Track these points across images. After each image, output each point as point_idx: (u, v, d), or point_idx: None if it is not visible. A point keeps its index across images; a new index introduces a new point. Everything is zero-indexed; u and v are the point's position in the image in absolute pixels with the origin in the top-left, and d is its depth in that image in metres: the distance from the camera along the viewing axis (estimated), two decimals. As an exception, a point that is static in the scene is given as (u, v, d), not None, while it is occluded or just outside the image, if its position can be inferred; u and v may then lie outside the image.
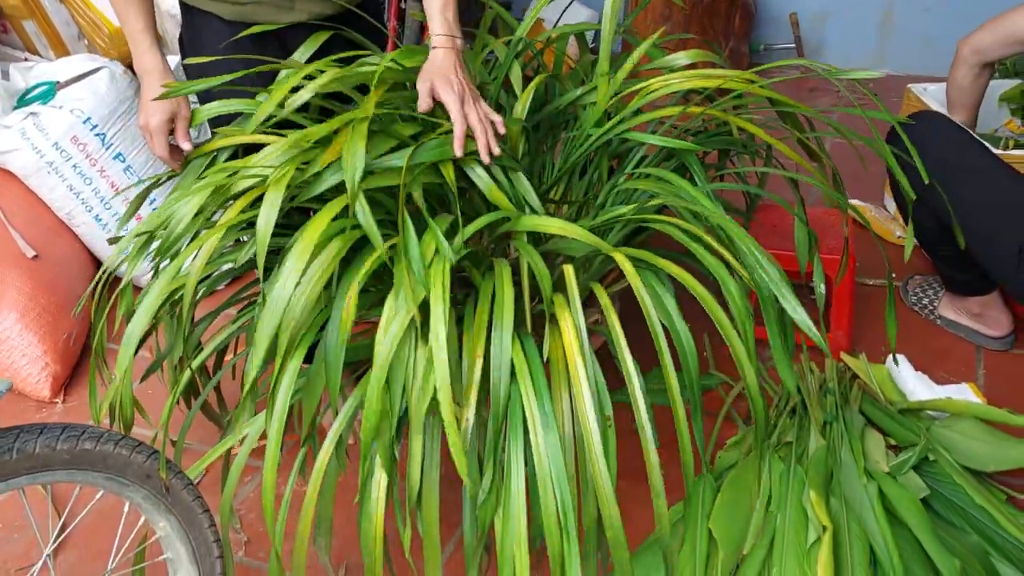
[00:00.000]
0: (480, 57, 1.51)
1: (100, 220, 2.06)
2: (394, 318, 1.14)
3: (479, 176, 1.21)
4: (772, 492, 1.47)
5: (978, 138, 1.75)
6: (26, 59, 2.48)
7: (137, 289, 2.18)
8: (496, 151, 1.25)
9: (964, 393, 1.72)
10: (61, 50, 2.57)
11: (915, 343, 1.92)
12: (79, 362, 2.00)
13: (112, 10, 2.50)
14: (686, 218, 1.27)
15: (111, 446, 1.05)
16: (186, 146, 1.42)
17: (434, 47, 1.31)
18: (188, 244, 1.38)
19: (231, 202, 1.23)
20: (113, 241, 1.45)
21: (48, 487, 1.05)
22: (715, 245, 1.15)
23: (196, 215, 1.23)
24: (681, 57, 1.39)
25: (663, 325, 1.18)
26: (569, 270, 1.20)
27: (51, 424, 1.01)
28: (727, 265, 1.22)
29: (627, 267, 1.14)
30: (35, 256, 1.94)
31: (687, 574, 1.39)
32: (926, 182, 1.46)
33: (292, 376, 1.15)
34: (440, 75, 1.26)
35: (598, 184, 1.53)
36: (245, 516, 1.65)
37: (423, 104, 1.28)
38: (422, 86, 1.29)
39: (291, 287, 1.08)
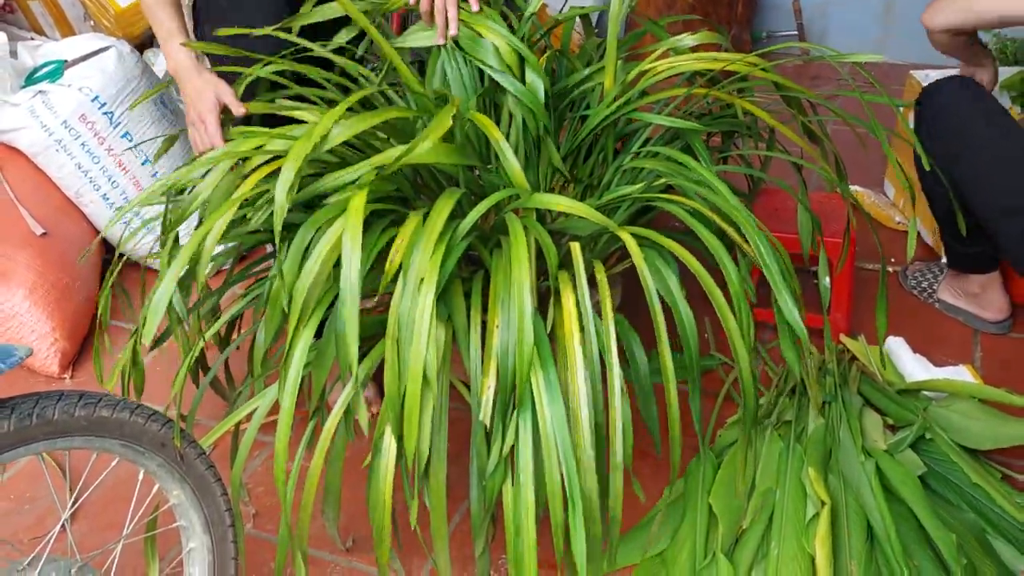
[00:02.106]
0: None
1: (107, 199, 2.08)
2: (403, 293, 1.16)
3: (506, 156, 1.23)
4: (771, 469, 1.50)
5: (997, 105, 1.74)
6: (32, 39, 2.49)
7: (136, 265, 2.20)
8: (454, 31, 1.42)
9: (961, 375, 1.74)
10: (67, 30, 2.58)
11: (913, 326, 1.94)
12: (86, 338, 2.02)
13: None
14: (692, 198, 1.29)
15: (127, 414, 1.08)
16: (241, 111, 1.43)
17: None
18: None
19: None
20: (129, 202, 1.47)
21: (66, 455, 1.07)
22: (722, 224, 1.17)
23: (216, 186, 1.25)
24: (687, 38, 1.41)
25: (666, 305, 1.21)
26: (576, 247, 1.22)
27: (69, 391, 1.03)
28: (727, 246, 1.24)
29: (632, 245, 1.17)
30: (44, 234, 1.96)
31: (687, 548, 1.42)
32: (927, 166, 1.48)
33: (305, 345, 1.17)
34: None
35: (603, 165, 1.55)
36: (253, 490, 1.67)
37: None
38: None
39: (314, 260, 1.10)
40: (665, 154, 1.36)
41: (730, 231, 1.19)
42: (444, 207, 1.16)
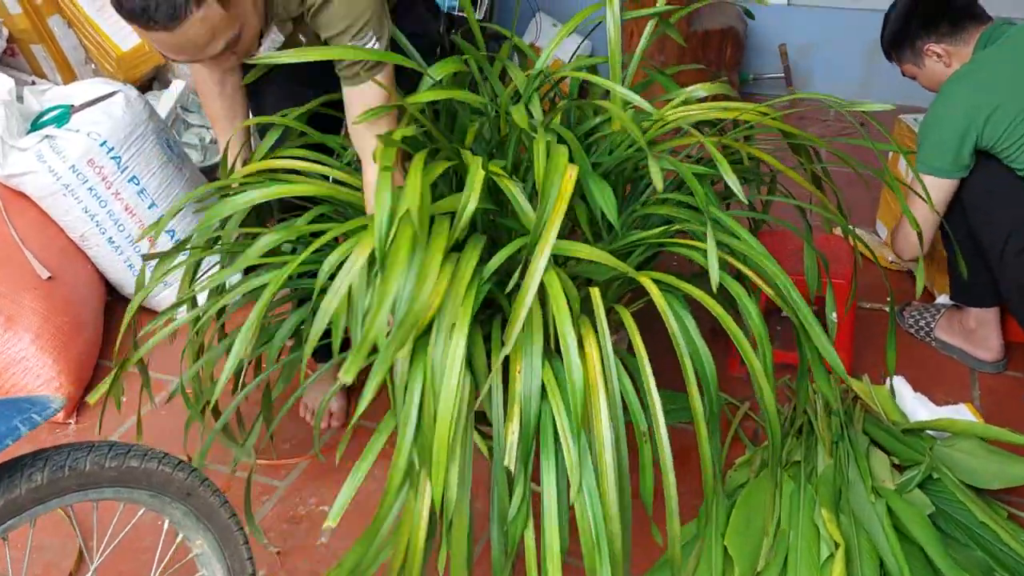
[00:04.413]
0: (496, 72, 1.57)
1: (113, 242, 2.08)
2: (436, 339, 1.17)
3: (520, 204, 1.26)
4: (784, 510, 1.52)
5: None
6: (33, 82, 2.50)
7: (152, 312, 2.20)
8: None
9: (962, 413, 1.78)
10: (68, 74, 2.60)
11: (912, 365, 1.98)
12: (90, 383, 2.01)
13: (119, 35, 2.54)
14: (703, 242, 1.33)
15: (155, 464, 1.08)
16: None
17: None
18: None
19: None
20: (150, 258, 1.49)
21: (94, 507, 1.06)
22: (743, 269, 1.20)
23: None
24: (699, 90, 1.45)
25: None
26: (595, 293, 1.24)
27: (98, 442, 1.03)
28: (746, 288, 1.27)
29: (654, 291, 1.19)
30: (49, 277, 1.95)
31: (704, 590, 1.43)
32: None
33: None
34: None
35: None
36: (264, 534, 1.65)
37: None
38: None
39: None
40: (676, 199, 1.40)
41: (749, 274, 1.22)
42: (472, 254, 1.18)
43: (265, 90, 1.62)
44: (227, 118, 1.62)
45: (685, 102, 1.42)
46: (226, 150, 1.61)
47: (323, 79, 1.52)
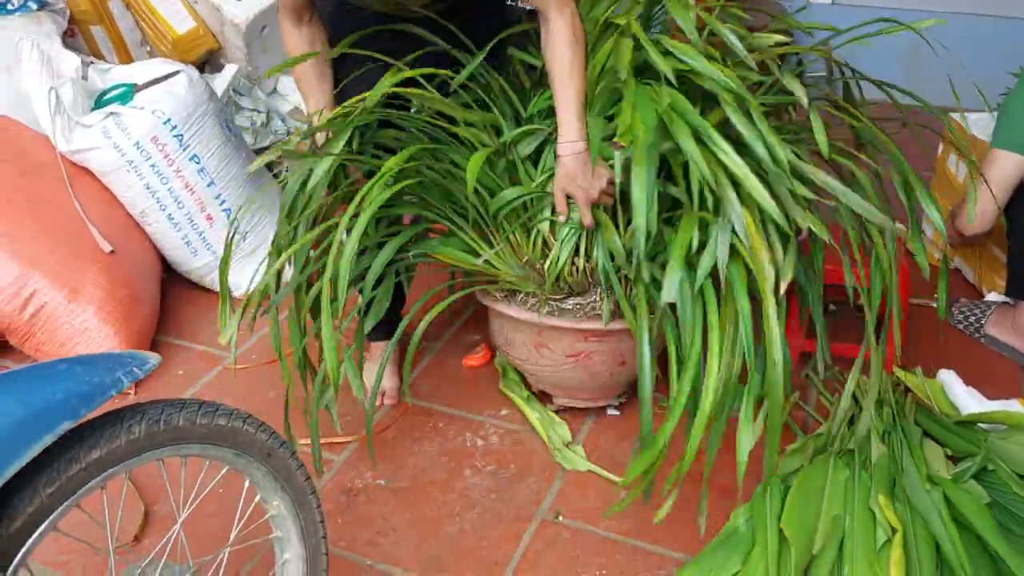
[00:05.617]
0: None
1: (172, 219, 2.12)
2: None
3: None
4: (839, 496, 1.53)
5: None
6: (92, 62, 2.54)
7: (194, 285, 2.24)
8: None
9: (1014, 407, 1.78)
10: (125, 55, 2.65)
11: (961, 361, 1.97)
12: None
13: (175, 18, 2.58)
14: None
15: (240, 423, 1.10)
16: None
17: (563, 155, 1.51)
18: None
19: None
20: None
21: (183, 463, 1.09)
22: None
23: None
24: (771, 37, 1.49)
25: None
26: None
27: (188, 400, 1.06)
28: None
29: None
30: (112, 252, 1.99)
31: (759, 572, 1.44)
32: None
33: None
34: (570, 183, 1.52)
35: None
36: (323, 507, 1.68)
37: (559, 207, 1.56)
38: (557, 194, 1.55)
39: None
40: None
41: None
42: None
43: (345, 69, 1.65)
44: (317, 83, 1.62)
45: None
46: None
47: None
